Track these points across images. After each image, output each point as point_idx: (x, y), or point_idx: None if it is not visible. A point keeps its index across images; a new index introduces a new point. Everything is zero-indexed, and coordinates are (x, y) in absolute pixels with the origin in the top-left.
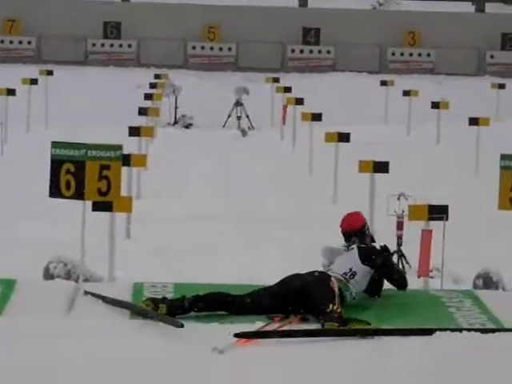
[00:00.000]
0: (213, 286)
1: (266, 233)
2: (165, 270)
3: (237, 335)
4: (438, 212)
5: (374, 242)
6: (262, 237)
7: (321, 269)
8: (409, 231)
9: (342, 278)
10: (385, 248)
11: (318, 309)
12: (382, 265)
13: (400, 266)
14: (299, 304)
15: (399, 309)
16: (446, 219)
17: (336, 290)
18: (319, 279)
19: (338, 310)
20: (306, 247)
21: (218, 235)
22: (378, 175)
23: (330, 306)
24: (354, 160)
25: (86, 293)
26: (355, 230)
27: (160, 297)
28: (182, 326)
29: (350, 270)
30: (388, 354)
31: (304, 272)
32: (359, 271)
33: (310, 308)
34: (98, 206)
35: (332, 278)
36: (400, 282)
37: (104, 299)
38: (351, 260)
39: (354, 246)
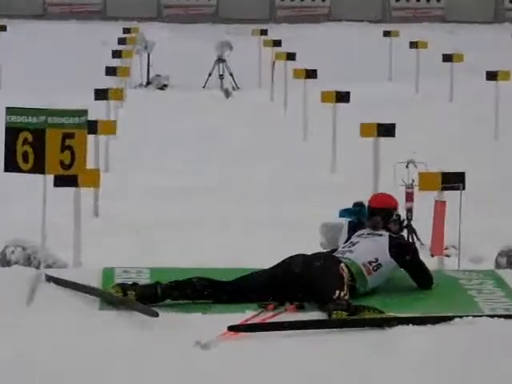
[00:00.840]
0: (195, 270)
1: (256, 208)
2: (139, 253)
3: (231, 328)
4: (453, 180)
5: (402, 231)
6: (250, 212)
7: (320, 249)
8: (419, 203)
9: (363, 268)
10: (398, 218)
11: (323, 295)
12: (411, 263)
13: (410, 241)
14: (299, 290)
15: (411, 294)
16: (463, 188)
17: (345, 276)
18: (326, 262)
19: (346, 298)
20: (301, 223)
21: (200, 211)
22: (383, 140)
23: (337, 292)
24: (354, 123)
25: (49, 278)
26: (382, 208)
27: (131, 282)
28: (157, 315)
29: (376, 260)
30: (403, 345)
31: (306, 253)
32: (385, 264)
33: (311, 294)
34: (60, 181)
35: (342, 264)
36: (425, 282)
37: (69, 285)
38: (379, 249)
39: (385, 234)
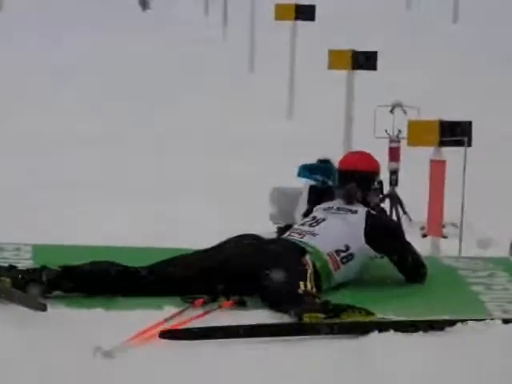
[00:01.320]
0: (96, 249)
1: (184, 164)
2: (18, 224)
3: (163, 335)
4: (454, 133)
5: (383, 201)
6: (176, 170)
7: (269, 222)
8: (408, 163)
9: (329, 260)
10: (380, 186)
11: (282, 289)
12: (395, 249)
13: (394, 216)
14: (243, 281)
15: (392, 288)
16: (469, 145)
17: (310, 269)
18: (284, 248)
19: (314, 291)
20: (245, 187)
21: (98, 166)
22: (360, 73)
23: (302, 284)
24: (321, 49)
25: None
26: (359, 172)
27: (7, 265)
28: (44, 308)
29: (347, 248)
30: (389, 360)
31: (256, 234)
32: (358, 254)
33: (261, 288)
34: None
35: (307, 256)
36: (415, 273)
37: None
38: (351, 232)
39: (361, 210)
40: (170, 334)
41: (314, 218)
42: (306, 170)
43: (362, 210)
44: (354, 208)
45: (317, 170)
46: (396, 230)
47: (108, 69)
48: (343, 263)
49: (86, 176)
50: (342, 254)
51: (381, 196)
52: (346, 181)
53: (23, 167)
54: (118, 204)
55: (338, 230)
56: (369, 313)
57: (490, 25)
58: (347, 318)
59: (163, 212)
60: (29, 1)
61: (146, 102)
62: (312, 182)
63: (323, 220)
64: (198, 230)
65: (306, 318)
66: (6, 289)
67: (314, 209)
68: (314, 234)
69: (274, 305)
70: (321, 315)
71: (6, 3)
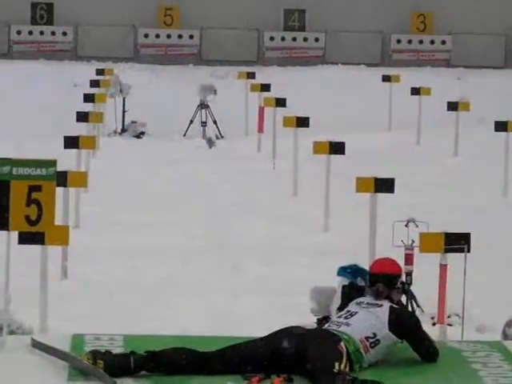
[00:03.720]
0: (173, 338)
1: (241, 270)
2: (112, 319)
3: None
4: (457, 242)
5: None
6: (234, 275)
7: (311, 315)
8: (419, 266)
9: (361, 345)
10: (402, 286)
11: (320, 369)
12: (413, 335)
13: (409, 309)
14: (291, 363)
15: (409, 366)
16: (468, 251)
17: (344, 352)
18: (324, 339)
19: (347, 370)
20: (290, 287)
21: (179, 274)
22: (381, 196)
23: (337, 364)
24: (350, 177)
25: (34, 344)
26: (384, 275)
27: (103, 350)
28: None
29: (374, 335)
30: None
31: (301, 326)
32: (383, 339)
33: (305, 368)
34: (26, 238)
35: (342, 343)
36: (429, 354)
37: (50, 351)
38: (377, 322)
39: (385, 304)
40: None
41: (349, 311)
42: (343, 270)
43: (386, 305)
44: (380, 302)
45: (350, 271)
46: (413, 321)
47: (185, 194)
48: (372, 347)
49: (167, 277)
50: (371, 340)
51: (403, 293)
52: (375, 281)
53: (126, 271)
54: (192, 302)
55: (367, 321)
56: None
57: (484, 157)
58: None
59: (228, 306)
60: (121, 144)
61: (213, 223)
62: (345, 282)
63: (356, 313)
64: (256, 321)
65: None
66: (94, 368)
67: (350, 304)
68: (348, 325)
69: (313, 381)
70: None
71: None
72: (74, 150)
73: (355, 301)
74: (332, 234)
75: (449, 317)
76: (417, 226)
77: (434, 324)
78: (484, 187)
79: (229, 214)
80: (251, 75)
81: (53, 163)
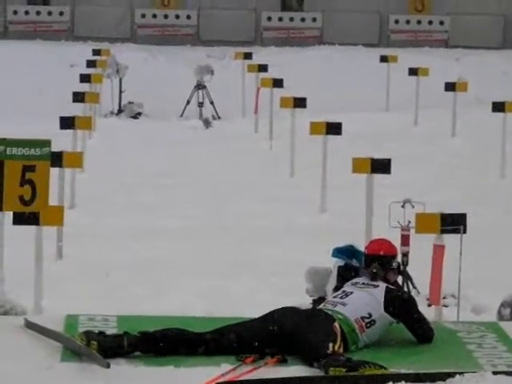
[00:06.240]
0: (167, 319)
1: (235, 250)
2: (106, 299)
3: None
4: (453, 223)
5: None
6: (230, 255)
7: (307, 297)
8: (415, 247)
9: (356, 325)
10: (398, 266)
11: (315, 350)
12: (408, 316)
13: (405, 290)
14: (285, 344)
15: (404, 347)
16: (464, 232)
17: (338, 334)
18: (319, 320)
19: (341, 351)
20: (285, 268)
21: (174, 255)
22: (378, 176)
23: (330, 345)
24: (346, 157)
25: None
26: (381, 256)
27: (97, 331)
28: (108, 366)
29: (370, 316)
30: None
31: (296, 307)
32: (379, 319)
33: (299, 349)
34: (20, 219)
35: (336, 323)
36: (425, 335)
37: (43, 332)
38: (373, 302)
39: (381, 285)
40: None
41: (344, 291)
42: (338, 252)
43: (382, 285)
44: (376, 283)
45: (345, 252)
46: (409, 302)
47: (181, 174)
48: (367, 327)
49: (162, 258)
50: (366, 320)
51: (399, 274)
52: (370, 262)
53: (121, 251)
54: (186, 282)
55: (362, 301)
56: (382, 367)
57: (482, 138)
58: (365, 372)
59: (224, 287)
60: (118, 124)
61: (209, 203)
62: (340, 263)
63: (351, 293)
64: (251, 301)
65: (332, 372)
66: (86, 348)
67: (345, 284)
68: (344, 304)
69: (307, 361)
70: (343, 369)
71: None
72: (70, 131)
73: (351, 281)
74: (329, 214)
75: (444, 298)
76: (413, 207)
77: (429, 305)
78: (481, 168)
79: (225, 195)
80: (248, 56)
81: (47, 143)
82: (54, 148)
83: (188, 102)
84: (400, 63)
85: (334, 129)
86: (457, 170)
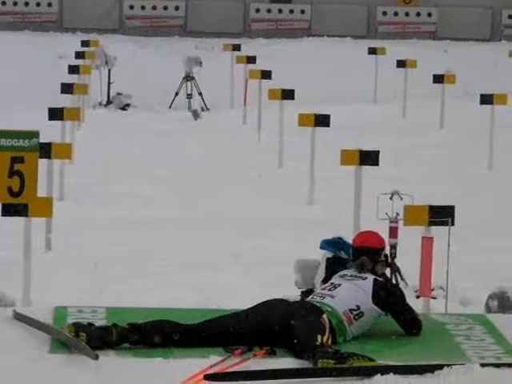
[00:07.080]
0: (156, 311)
1: (225, 242)
2: (95, 291)
3: (208, 377)
4: (441, 215)
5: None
6: (219, 247)
7: (295, 289)
8: (403, 239)
9: (344, 318)
10: (386, 259)
11: (303, 342)
12: (396, 309)
13: (394, 281)
14: (274, 336)
15: (392, 339)
16: (452, 224)
17: (327, 325)
18: (308, 312)
19: (329, 343)
20: (274, 260)
21: (163, 246)
22: (366, 168)
23: (319, 337)
24: (334, 149)
25: (17, 316)
26: (368, 248)
27: (85, 323)
28: (96, 357)
29: (358, 308)
30: None
31: (285, 299)
32: (367, 311)
33: (288, 341)
34: (8, 210)
35: (324, 315)
36: (413, 328)
37: (32, 324)
38: (361, 295)
39: (369, 277)
40: (214, 377)
41: (332, 283)
42: (326, 244)
43: (370, 277)
44: (364, 275)
45: (333, 244)
46: (397, 294)
47: (169, 166)
48: (355, 320)
49: (151, 249)
50: (354, 312)
51: (387, 267)
52: (358, 254)
53: (110, 243)
54: (175, 274)
55: (351, 293)
56: (371, 359)
57: (469, 130)
58: (353, 364)
59: (212, 279)
60: (107, 116)
61: (198, 194)
62: (328, 255)
63: (339, 285)
64: (239, 293)
65: (320, 364)
66: (75, 340)
67: (334, 276)
68: (332, 296)
69: (296, 354)
70: (332, 361)
71: None
72: (59, 122)
73: (339, 273)
74: (317, 206)
75: (433, 290)
76: (401, 199)
77: (417, 297)
78: (469, 160)
79: (213, 186)
80: (237, 47)
81: (35, 134)
82: (43, 139)
83: (177, 94)
84: (388, 55)
85: (322, 120)
86: (445, 161)
